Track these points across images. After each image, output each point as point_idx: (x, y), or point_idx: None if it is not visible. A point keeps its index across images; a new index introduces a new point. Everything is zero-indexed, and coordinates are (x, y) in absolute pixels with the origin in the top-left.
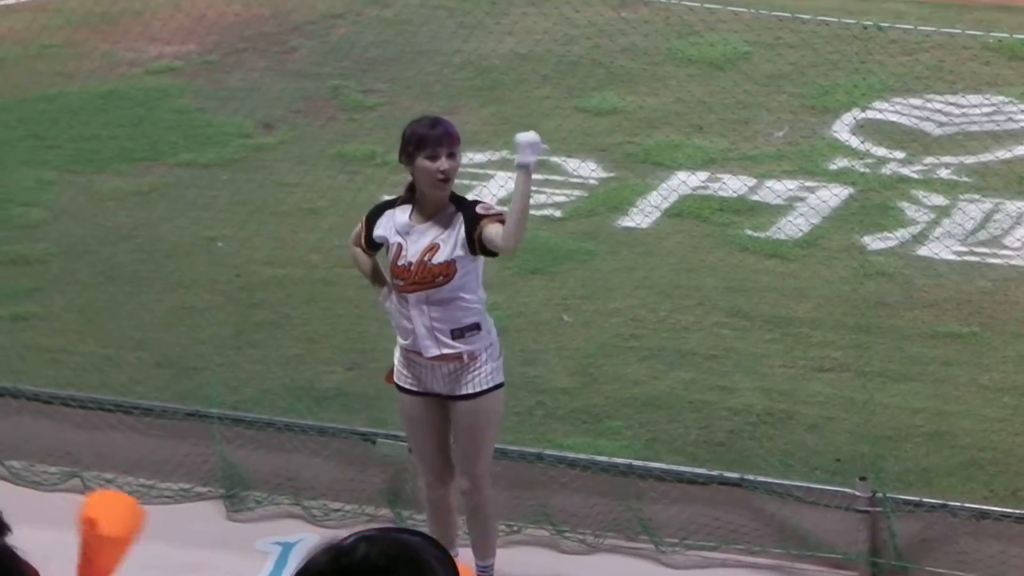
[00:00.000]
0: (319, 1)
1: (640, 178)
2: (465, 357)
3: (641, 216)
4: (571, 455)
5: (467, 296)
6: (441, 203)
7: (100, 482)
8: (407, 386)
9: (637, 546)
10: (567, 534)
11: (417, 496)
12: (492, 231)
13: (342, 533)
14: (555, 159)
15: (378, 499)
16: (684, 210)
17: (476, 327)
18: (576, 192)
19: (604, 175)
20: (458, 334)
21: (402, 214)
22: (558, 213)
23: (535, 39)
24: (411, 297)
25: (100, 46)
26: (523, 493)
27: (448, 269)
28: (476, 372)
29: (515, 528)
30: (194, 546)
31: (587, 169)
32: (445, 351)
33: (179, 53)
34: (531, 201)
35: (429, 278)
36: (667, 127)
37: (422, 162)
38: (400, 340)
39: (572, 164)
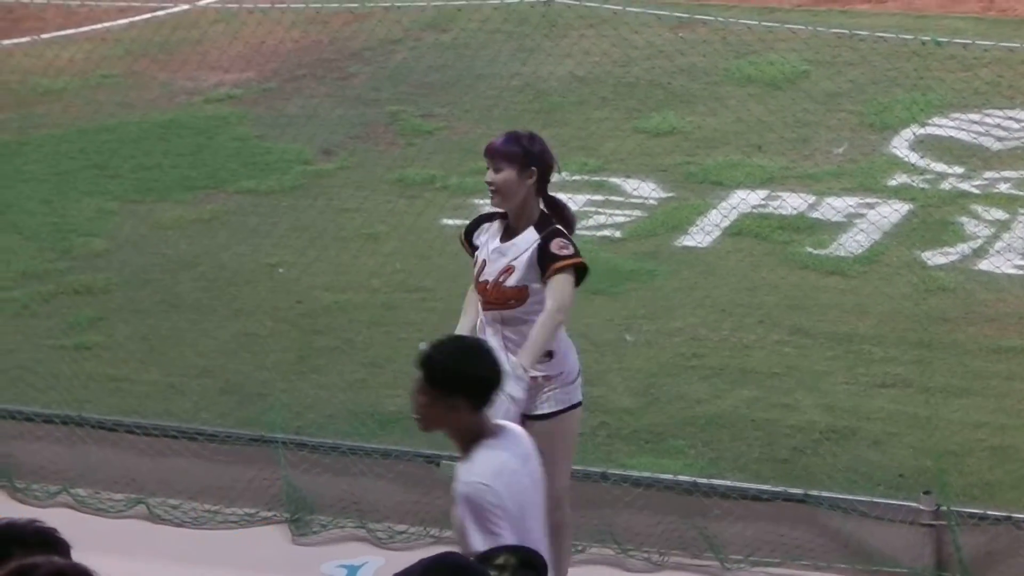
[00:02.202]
0: (377, 27)
1: (700, 197)
2: (540, 379)
3: (701, 235)
4: (635, 474)
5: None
6: (525, 222)
7: (165, 508)
8: None
9: (702, 563)
10: (632, 553)
11: None
12: (550, 289)
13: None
14: (614, 180)
15: (443, 521)
16: (744, 228)
17: (548, 355)
18: (636, 212)
19: (663, 195)
20: None
21: (493, 228)
22: (618, 234)
23: (593, 61)
24: (487, 315)
25: (159, 76)
26: (588, 512)
27: (520, 294)
28: (549, 394)
29: (580, 547)
30: (260, 571)
31: (646, 189)
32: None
33: (238, 81)
34: (590, 222)
35: (502, 299)
36: (726, 146)
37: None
38: None
39: (631, 184)
